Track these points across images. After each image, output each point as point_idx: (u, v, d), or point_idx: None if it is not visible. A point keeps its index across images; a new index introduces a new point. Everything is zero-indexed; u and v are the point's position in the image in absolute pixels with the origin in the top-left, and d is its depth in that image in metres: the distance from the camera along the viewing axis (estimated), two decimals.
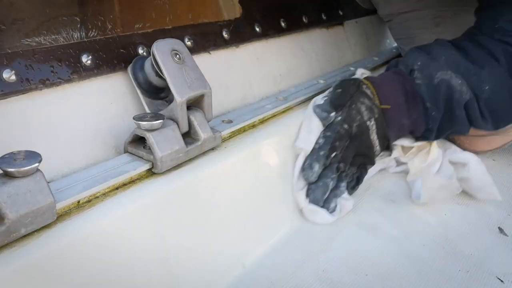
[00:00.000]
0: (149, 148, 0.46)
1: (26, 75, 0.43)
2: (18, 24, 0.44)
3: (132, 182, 0.46)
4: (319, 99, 0.66)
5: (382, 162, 0.74)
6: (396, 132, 0.69)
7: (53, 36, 0.46)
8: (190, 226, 0.48)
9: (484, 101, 0.66)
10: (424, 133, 0.70)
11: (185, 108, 0.48)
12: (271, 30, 0.75)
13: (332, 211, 0.63)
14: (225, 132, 0.56)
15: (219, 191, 0.52)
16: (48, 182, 0.37)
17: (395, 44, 1.11)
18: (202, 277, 0.49)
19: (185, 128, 0.49)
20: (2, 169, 0.34)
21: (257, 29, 0.72)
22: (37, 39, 0.45)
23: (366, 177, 0.69)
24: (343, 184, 0.64)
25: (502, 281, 0.53)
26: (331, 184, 0.62)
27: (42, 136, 0.44)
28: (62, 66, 0.46)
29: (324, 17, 0.89)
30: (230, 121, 0.59)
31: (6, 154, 0.35)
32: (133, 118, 0.46)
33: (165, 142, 0.46)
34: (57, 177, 0.44)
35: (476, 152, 0.80)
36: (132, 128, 0.48)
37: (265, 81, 0.72)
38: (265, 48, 0.74)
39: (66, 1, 0.48)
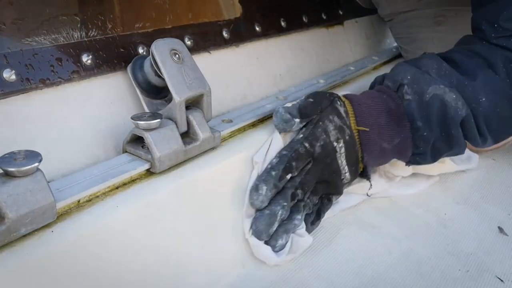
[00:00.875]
0: (147, 148, 0.46)
1: (26, 75, 0.43)
2: (18, 24, 0.44)
3: (132, 181, 0.46)
4: (288, 104, 0.58)
5: (358, 188, 0.65)
6: (376, 157, 0.59)
7: (53, 36, 0.46)
8: (190, 226, 0.48)
9: (482, 115, 0.59)
10: (414, 157, 0.60)
11: (183, 107, 0.48)
12: (271, 29, 0.75)
13: (280, 248, 0.52)
14: (225, 132, 0.56)
15: (219, 191, 0.52)
16: (48, 182, 0.37)
17: (395, 44, 1.11)
18: (202, 277, 0.49)
19: (183, 128, 0.49)
20: (2, 169, 0.34)
21: (257, 29, 0.72)
22: (37, 38, 0.45)
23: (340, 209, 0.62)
24: (299, 217, 0.53)
25: (502, 280, 0.53)
26: (281, 214, 0.51)
27: (42, 135, 0.44)
28: (62, 65, 0.46)
29: (324, 16, 0.89)
30: (230, 121, 0.59)
31: (6, 154, 0.35)
32: (131, 118, 0.46)
33: (163, 141, 0.46)
34: (57, 176, 0.44)
35: (476, 152, 0.80)
36: (131, 127, 0.48)
37: (265, 80, 0.72)
38: (265, 47, 0.74)
39: (66, 0, 0.48)
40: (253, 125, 0.61)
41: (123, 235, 0.42)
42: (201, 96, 0.50)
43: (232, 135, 0.58)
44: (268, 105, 0.65)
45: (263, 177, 0.51)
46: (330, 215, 0.61)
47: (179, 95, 0.47)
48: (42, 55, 0.45)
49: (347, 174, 0.58)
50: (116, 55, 0.51)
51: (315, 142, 0.54)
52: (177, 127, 0.48)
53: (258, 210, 0.51)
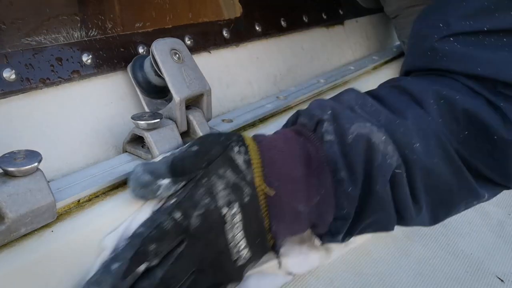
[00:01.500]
0: (148, 148, 0.46)
1: (26, 75, 0.43)
2: (18, 23, 0.44)
3: None
4: (158, 157, 0.44)
5: (273, 267, 0.47)
6: (288, 225, 0.42)
7: (53, 35, 0.46)
8: None
9: (417, 167, 0.44)
10: (334, 223, 0.44)
11: (183, 107, 0.48)
12: (272, 29, 0.75)
13: None
14: (225, 132, 0.56)
15: None
16: (48, 182, 0.37)
17: (396, 44, 1.11)
18: None
19: (183, 128, 0.49)
20: (2, 168, 0.34)
21: (257, 28, 0.72)
22: (37, 38, 0.45)
23: None
24: None
25: (502, 280, 0.54)
26: None
27: (42, 135, 0.44)
28: (62, 65, 0.46)
29: (324, 16, 0.89)
30: (230, 121, 0.59)
31: (6, 154, 0.35)
32: (131, 117, 0.46)
33: (163, 141, 0.46)
34: (57, 176, 0.44)
35: None
36: (132, 127, 0.48)
37: (265, 80, 0.72)
38: (265, 47, 0.74)
39: (66, 0, 0.48)
40: (253, 125, 0.61)
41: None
42: (201, 95, 0.50)
43: None
44: (268, 105, 0.65)
45: (94, 278, 0.34)
46: None
47: (179, 95, 0.47)
48: (42, 55, 0.45)
49: (245, 251, 0.40)
50: (116, 55, 0.51)
51: (191, 211, 0.37)
52: (177, 126, 0.48)
53: None
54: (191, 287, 0.37)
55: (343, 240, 0.46)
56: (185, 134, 0.50)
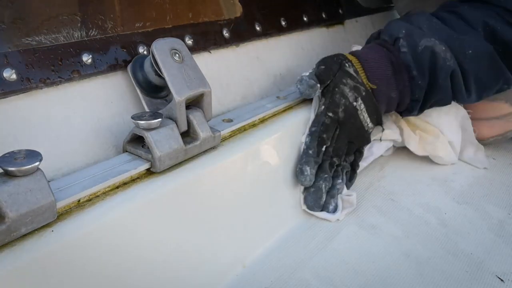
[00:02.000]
0: (148, 147, 0.46)
1: (27, 74, 0.43)
2: (19, 23, 0.44)
3: (132, 181, 0.46)
4: (305, 73, 0.65)
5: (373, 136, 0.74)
6: (385, 106, 0.68)
7: (53, 35, 0.46)
8: (190, 226, 0.48)
9: (468, 68, 0.66)
10: (410, 105, 0.68)
11: (184, 107, 0.48)
12: (272, 29, 0.75)
13: (333, 210, 0.62)
14: (225, 131, 0.56)
15: (219, 191, 0.52)
16: (49, 181, 0.37)
17: None
18: (202, 277, 0.49)
19: (184, 127, 0.49)
20: (2, 168, 0.34)
21: (258, 28, 0.72)
22: (37, 38, 0.45)
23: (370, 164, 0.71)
24: (339, 180, 0.63)
25: (502, 280, 0.54)
26: (325, 186, 0.61)
27: (43, 135, 0.44)
28: (63, 65, 0.46)
29: (324, 16, 0.89)
30: (230, 120, 0.59)
31: (6, 153, 0.35)
32: (132, 117, 0.46)
33: (163, 141, 0.46)
34: (58, 176, 0.44)
35: (477, 140, 0.81)
36: (132, 127, 0.48)
37: (265, 80, 0.72)
38: (266, 47, 0.74)
39: (66, 0, 0.48)
40: (253, 124, 0.61)
41: (123, 234, 0.42)
42: (201, 95, 0.50)
43: (232, 134, 0.58)
44: (268, 105, 0.65)
45: (303, 160, 0.60)
46: (364, 165, 0.72)
47: (179, 95, 0.47)
48: (43, 55, 0.45)
49: (370, 124, 0.67)
50: (116, 55, 0.51)
51: (337, 109, 0.62)
52: (177, 126, 0.48)
53: (306, 188, 0.62)
54: (347, 153, 0.65)
55: (418, 114, 0.71)
56: (185, 134, 0.50)
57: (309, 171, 0.59)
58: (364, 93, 0.64)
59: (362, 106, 0.64)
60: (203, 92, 0.50)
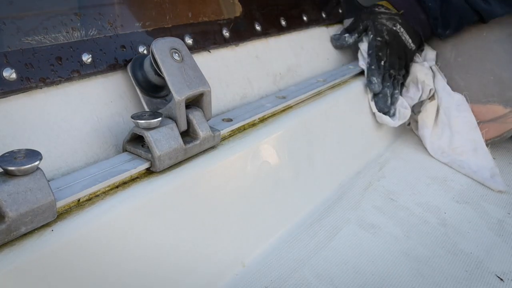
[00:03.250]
0: (147, 147, 0.46)
1: (26, 74, 0.43)
2: (18, 23, 0.44)
3: (132, 180, 0.46)
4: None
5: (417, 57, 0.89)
6: (420, 27, 0.84)
7: (53, 35, 0.46)
8: (190, 225, 0.48)
9: None
10: (433, 23, 0.84)
11: (183, 106, 0.48)
12: (271, 28, 0.75)
13: (393, 115, 0.81)
14: (225, 131, 0.56)
15: (218, 190, 0.52)
16: (48, 181, 0.37)
17: None
18: (202, 276, 0.49)
19: (183, 127, 0.49)
20: (2, 168, 0.34)
21: (257, 28, 0.72)
22: (37, 37, 0.45)
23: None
24: (397, 91, 0.82)
25: (501, 279, 0.54)
26: (389, 92, 0.80)
27: (42, 134, 0.44)
28: (62, 64, 0.46)
29: (324, 15, 0.89)
30: (230, 120, 0.59)
31: (6, 153, 0.35)
32: (131, 117, 0.46)
33: (163, 140, 0.46)
34: (57, 175, 0.44)
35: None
36: (131, 126, 0.48)
37: (265, 79, 0.72)
38: (265, 46, 0.74)
39: None
40: (253, 124, 0.61)
41: (123, 234, 0.42)
42: (201, 95, 0.50)
43: (232, 134, 0.58)
44: (268, 104, 0.65)
45: (369, 73, 0.80)
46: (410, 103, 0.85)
47: (179, 94, 0.47)
48: (42, 54, 0.45)
49: (412, 44, 0.84)
50: (116, 54, 0.51)
51: (382, 34, 0.82)
52: (177, 126, 0.48)
53: (375, 94, 0.81)
54: (399, 67, 0.83)
55: (447, 34, 0.86)
56: (185, 133, 0.50)
57: (375, 79, 0.79)
58: (400, 20, 0.82)
59: (402, 29, 0.82)
60: (203, 91, 0.50)
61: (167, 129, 0.46)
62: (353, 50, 0.97)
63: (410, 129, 0.92)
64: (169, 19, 0.58)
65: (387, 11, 0.84)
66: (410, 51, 0.84)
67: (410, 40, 0.83)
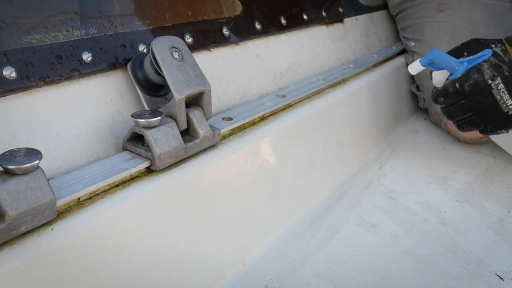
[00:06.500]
0: (148, 146, 0.46)
1: (26, 73, 0.43)
2: (18, 22, 0.44)
3: (132, 179, 0.46)
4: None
5: None
6: None
7: (53, 34, 0.46)
8: (190, 224, 0.48)
9: None
10: None
11: (183, 105, 0.48)
12: (271, 27, 0.75)
13: None
14: (225, 130, 0.56)
15: (219, 189, 0.52)
16: (48, 180, 0.37)
17: (395, 42, 1.11)
18: (202, 275, 0.49)
19: (183, 126, 0.49)
20: (2, 167, 0.34)
21: (257, 26, 0.71)
22: (37, 36, 0.45)
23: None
24: None
25: (501, 278, 0.54)
26: None
27: (42, 133, 0.44)
28: (62, 63, 0.46)
29: (324, 14, 0.89)
30: (230, 119, 0.59)
31: (6, 152, 0.35)
32: (131, 116, 0.46)
33: (163, 139, 0.46)
34: (57, 174, 0.44)
35: (465, 140, 0.81)
36: (132, 125, 0.48)
37: (265, 78, 0.72)
38: (265, 45, 0.74)
39: None
40: (253, 123, 0.61)
41: (123, 233, 0.42)
42: (201, 94, 0.50)
43: (232, 133, 0.58)
44: (268, 103, 0.65)
45: (438, 90, 0.66)
46: None
47: (179, 93, 0.47)
48: (42, 53, 0.45)
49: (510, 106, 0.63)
50: (116, 53, 0.51)
51: (465, 82, 0.63)
52: (177, 125, 0.48)
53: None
54: (470, 122, 0.66)
55: None
56: (185, 132, 0.50)
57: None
58: (507, 73, 0.62)
59: (501, 86, 0.62)
60: (203, 90, 0.50)
61: (167, 128, 0.46)
62: (353, 48, 0.97)
63: (409, 128, 0.92)
64: (169, 18, 0.58)
65: (500, 53, 0.63)
66: (503, 114, 0.63)
67: (510, 101, 0.62)
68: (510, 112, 0.63)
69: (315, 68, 0.83)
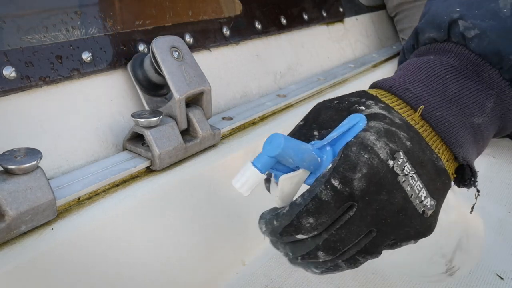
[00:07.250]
0: (148, 146, 0.46)
1: (26, 72, 0.43)
2: (18, 21, 0.44)
3: (132, 179, 0.46)
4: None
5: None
6: (472, 145, 0.38)
7: (53, 33, 0.46)
8: (190, 224, 0.48)
9: None
10: None
11: (183, 105, 0.48)
12: (271, 27, 0.75)
13: None
14: (225, 129, 0.56)
15: (219, 188, 0.52)
16: (48, 179, 0.37)
17: (395, 41, 1.11)
18: (202, 275, 0.49)
19: (183, 125, 0.49)
20: (2, 166, 0.34)
21: (257, 26, 0.71)
22: (37, 36, 0.45)
23: None
24: None
25: (502, 278, 0.54)
26: None
27: (42, 133, 0.44)
28: (62, 63, 0.46)
29: (324, 14, 0.89)
30: (230, 118, 0.59)
31: (6, 151, 0.35)
32: (131, 115, 0.46)
33: (163, 139, 0.46)
34: (57, 174, 0.44)
35: None
36: (132, 125, 0.48)
37: (265, 78, 0.72)
38: (265, 45, 0.74)
39: None
40: (253, 122, 0.61)
41: (123, 232, 0.42)
42: (201, 93, 0.50)
43: (232, 132, 0.58)
44: (268, 103, 0.65)
45: (264, 217, 0.39)
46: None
47: (179, 93, 0.47)
48: (42, 53, 0.45)
49: (428, 200, 0.35)
50: (116, 53, 0.51)
51: (351, 174, 0.32)
52: (177, 124, 0.48)
53: None
54: (369, 248, 0.35)
55: None
56: (185, 132, 0.50)
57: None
58: (408, 142, 0.34)
59: (408, 167, 0.33)
60: (203, 90, 0.50)
61: (167, 128, 0.46)
62: (353, 48, 0.97)
63: None
64: (169, 18, 0.58)
65: (383, 112, 0.36)
66: (418, 217, 0.35)
67: (423, 192, 0.35)
68: (429, 209, 0.35)
69: (315, 67, 0.83)
